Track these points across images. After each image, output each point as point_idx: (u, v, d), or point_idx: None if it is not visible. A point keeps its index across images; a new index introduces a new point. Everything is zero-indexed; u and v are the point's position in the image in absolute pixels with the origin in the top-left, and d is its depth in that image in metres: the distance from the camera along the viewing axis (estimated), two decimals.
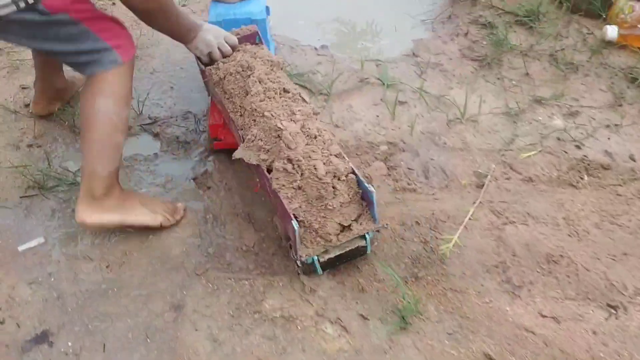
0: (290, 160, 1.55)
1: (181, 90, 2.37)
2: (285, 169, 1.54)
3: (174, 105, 2.31)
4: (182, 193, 1.97)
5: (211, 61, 1.86)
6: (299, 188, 1.54)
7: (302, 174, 1.53)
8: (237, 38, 1.89)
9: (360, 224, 1.59)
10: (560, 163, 2.02)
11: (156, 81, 2.43)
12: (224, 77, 1.79)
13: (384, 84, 2.40)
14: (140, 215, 1.77)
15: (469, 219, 1.86)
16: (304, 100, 1.72)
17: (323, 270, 1.63)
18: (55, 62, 2.08)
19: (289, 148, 1.55)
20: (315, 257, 1.58)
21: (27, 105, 2.29)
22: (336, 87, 2.36)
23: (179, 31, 1.75)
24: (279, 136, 1.58)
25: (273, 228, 1.81)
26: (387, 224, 1.79)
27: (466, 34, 2.70)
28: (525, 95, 2.34)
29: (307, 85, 2.37)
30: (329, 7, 2.95)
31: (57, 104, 2.24)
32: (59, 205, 1.94)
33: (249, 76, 1.74)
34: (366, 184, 1.57)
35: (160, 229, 1.81)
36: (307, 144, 1.57)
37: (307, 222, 1.55)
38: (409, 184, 1.97)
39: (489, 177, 1.98)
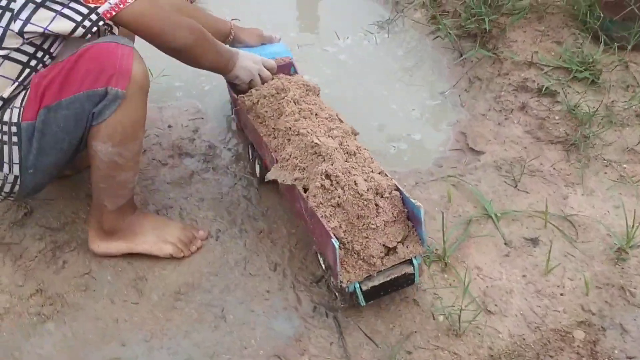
0: (328, 176, 1.41)
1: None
2: (323, 185, 1.40)
3: None
4: None
5: (248, 88, 1.75)
6: (338, 205, 1.40)
7: (342, 190, 1.39)
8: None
9: (407, 247, 1.42)
10: None
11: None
12: (257, 102, 1.70)
13: (490, 216, 1.77)
14: (148, 245, 1.64)
15: None
16: (340, 120, 1.64)
17: (366, 300, 1.42)
18: None
19: (327, 163, 1.44)
20: (357, 284, 1.39)
21: None
22: (439, 241, 1.68)
23: (219, 62, 1.63)
24: (315, 152, 1.47)
25: None
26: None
27: (523, 108, 2.12)
28: None
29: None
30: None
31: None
32: None
33: (283, 98, 1.65)
34: (412, 200, 1.41)
35: (171, 259, 1.64)
36: (346, 160, 1.47)
37: (347, 243, 1.39)
38: None
39: None
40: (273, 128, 1.65)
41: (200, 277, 1.63)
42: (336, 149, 1.48)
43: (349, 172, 1.44)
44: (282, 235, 1.73)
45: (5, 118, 1.39)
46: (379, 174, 1.48)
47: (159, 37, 1.45)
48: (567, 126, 2.03)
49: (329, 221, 1.39)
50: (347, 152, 1.51)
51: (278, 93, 1.68)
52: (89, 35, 1.39)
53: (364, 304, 1.43)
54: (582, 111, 2.03)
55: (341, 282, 1.37)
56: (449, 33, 2.44)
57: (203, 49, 1.55)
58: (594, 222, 1.73)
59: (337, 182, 1.41)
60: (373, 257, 1.39)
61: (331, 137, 1.53)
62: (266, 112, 1.68)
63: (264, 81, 1.76)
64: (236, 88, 1.79)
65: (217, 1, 2.76)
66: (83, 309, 1.56)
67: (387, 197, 1.44)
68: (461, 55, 2.41)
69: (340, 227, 1.39)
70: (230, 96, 1.92)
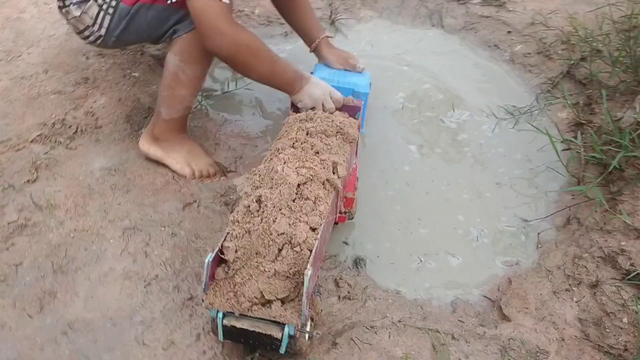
0: (259, 202, 1.32)
1: None
2: (249, 207, 1.32)
3: None
4: None
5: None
6: (248, 232, 1.28)
7: (260, 220, 1.28)
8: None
9: (285, 309, 1.26)
10: None
11: None
12: (289, 121, 1.64)
13: None
14: (175, 161, 1.84)
15: None
16: (333, 172, 1.46)
17: (224, 337, 1.31)
18: None
19: (268, 190, 1.34)
20: (221, 315, 1.28)
21: None
22: None
23: (279, 81, 1.70)
24: (271, 178, 1.38)
25: None
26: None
27: (595, 287, 1.56)
28: None
29: None
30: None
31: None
32: None
33: (302, 124, 1.58)
34: (310, 266, 1.22)
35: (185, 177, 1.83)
36: (292, 200, 1.33)
37: (232, 270, 1.29)
38: None
39: None
40: (275, 147, 1.58)
41: (100, 319, 1.48)
42: (289, 184, 1.35)
43: (280, 209, 1.31)
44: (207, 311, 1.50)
45: None
46: (312, 229, 1.32)
47: (203, 34, 1.57)
48: (631, 337, 1.44)
49: (230, 240, 1.30)
50: (301, 195, 1.37)
51: (306, 120, 1.62)
52: None
53: (221, 340, 1.33)
54: None
55: (203, 300, 1.29)
56: (578, 152, 1.90)
57: (245, 64, 1.63)
58: None
59: (262, 212, 1.31)
60: (244, 296, 1.27)
61: (297, 173, 1.39)
62: (286, 131, 1.61)
63: (326, 112, 1.71)
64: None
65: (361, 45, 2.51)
66: None
67: (297, 252, 1.27)
68: (578, 183, 1.86)
69: (237, 251, 1.29)
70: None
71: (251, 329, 1.28)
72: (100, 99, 2.11)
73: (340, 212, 1.68)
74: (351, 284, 1.61)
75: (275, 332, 1.28)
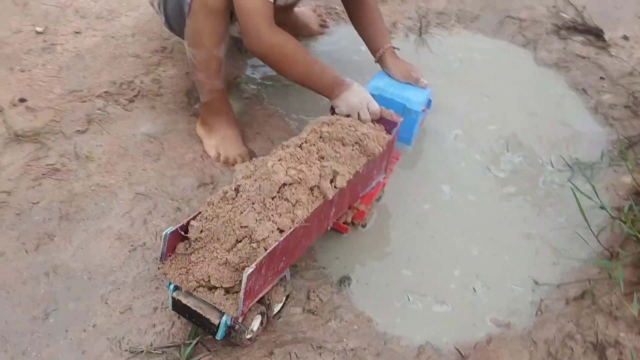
0: (237, 190, 1.37)
1: None
2: (226, 193, 1.37)
3: None
4: None
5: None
6: (217, 216, 1.33)
7: (230, 208, 1.33)
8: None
9: (226, 299, 1.29)
10: None
11: None
12: (313, 122, 1.62)
13: None
14: (208, 142, 1.94)
15: None
16: (332, 181, 1.44)
17: (172, 308, 1.37)
18: None
19: (251, 182, 1.37)
20: (172, 286, 1.35)
21: None
22: None
23: (315, 85, 1.72)
24: (261, 172, 1.39)
25: None
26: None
27: None
28: None
29: None
30: None
31: None
32: None
33: (318, 128, 1.57)
34: (254, 265, 1.23)
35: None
36: (271, 197, 1.35)
37: (191, 248, 1.34)
38: None
39: None
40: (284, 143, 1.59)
41: (81, 271, 1.59)
42: (273, 182, 1.36)
43: (253, 204, 1.33)
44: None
45: None
46: (278, 229, 1.33)
47: (243, 31, 1.63)
48: None
49: (199, 219, 1.35)
50: (282, 195, 1.37)
51: (327, 124, 1.60)
52: None
53: (170, 309, 1.40)
54: None
55: (158, 267, 1.35)
56: (622, 223, 1.71)
57: (278, 65, 1.69)
58: None
59: (236, 201, 1.35)
60: (193, 276, 1.32)
61: (287, 173, 1.39)
62: (305, 130, 1.60)
63: (361, 121, 1.69)
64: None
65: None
66: None
67: (253, 248, 1.29)
68: (611, 257, 1.68)
69: (202, 232, 1.34)
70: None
71: (194, 308, 1.34)
72: (171, 69, 2.23)
73: (346, 223, 1.67)
74: (323, 300, 1.59)
75: (213, 318, 1.33)
